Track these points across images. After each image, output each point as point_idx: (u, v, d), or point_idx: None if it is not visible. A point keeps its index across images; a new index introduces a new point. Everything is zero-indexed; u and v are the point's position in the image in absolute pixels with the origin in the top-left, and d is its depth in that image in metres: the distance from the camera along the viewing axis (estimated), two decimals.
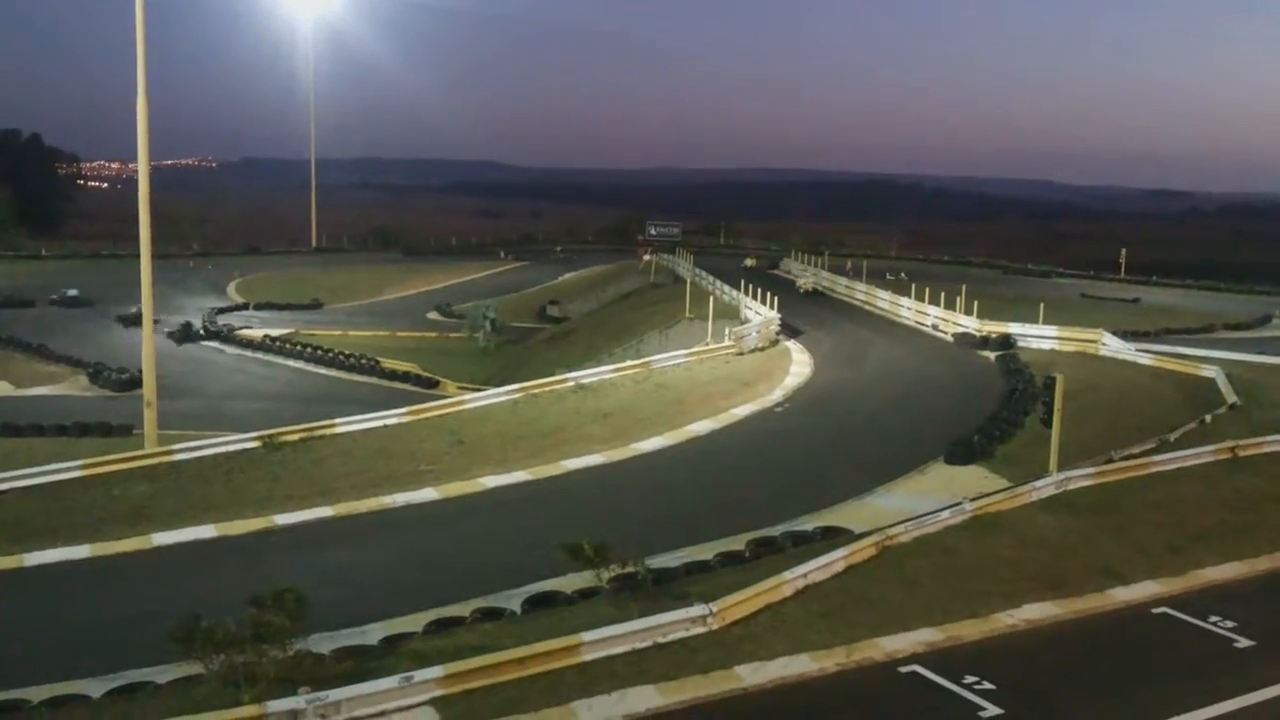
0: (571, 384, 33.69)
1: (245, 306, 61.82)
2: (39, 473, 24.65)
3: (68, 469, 24.96)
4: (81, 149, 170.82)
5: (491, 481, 24.38)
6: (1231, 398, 29.63)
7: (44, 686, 14.72)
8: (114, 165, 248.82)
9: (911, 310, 46.18)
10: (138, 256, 30.38)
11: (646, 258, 73.49)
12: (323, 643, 15.14)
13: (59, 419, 32.67)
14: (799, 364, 36.30)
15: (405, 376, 44.53)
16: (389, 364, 46.13)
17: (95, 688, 14.60)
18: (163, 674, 14.62)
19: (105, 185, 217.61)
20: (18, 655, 16.17)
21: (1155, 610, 16.70)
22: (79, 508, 23.25)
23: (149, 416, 29.31)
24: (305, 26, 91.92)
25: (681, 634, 15.03)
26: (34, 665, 15.57)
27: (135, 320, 47.06)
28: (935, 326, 43.30)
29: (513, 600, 17.21)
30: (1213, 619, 16.18)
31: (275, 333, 51.64)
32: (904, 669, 14.53)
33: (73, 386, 40.72)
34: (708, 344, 39.07)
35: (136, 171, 30.98)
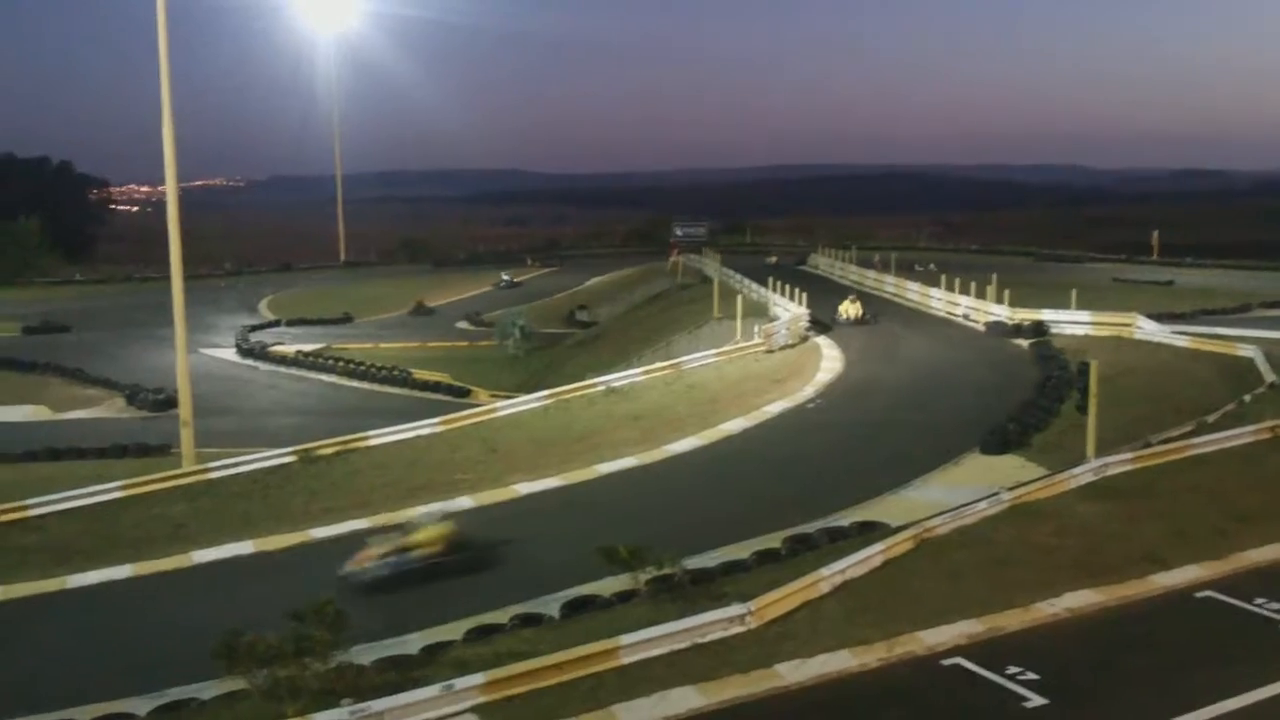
0: (602, 388, 33.72)
1: (277, 323, 62.24)
2: (79, 495, 24.93)
3: (107, 490, 25.23)
4: (111, 174, 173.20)
5: (525, 488, 24.43)
6: (1270, 377, 29.18)
7: (90, 706, 14.95)
8: (144, 189, 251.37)
9: (942, 301, 45.88)
10: (169, 278, 30.65)
11: (674, 259, 73.47)
12: (364, 654, 15.25)
13: (97, 441, 32.99)
14: (830, 359, 36.15)
15: (437, 386, 44.66)
16: (420, 375, 46.27)
17: (141, 706, 14.79)
18: (207, 690, 14.78)
19: (135, 209, 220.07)
20: (64, 676, 16.40)
21: (1199, 594, 16.49)
22: (119, 528, 23.51)
23: (185, 436, 29.54)
24: (326, 45, 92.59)
25: (720, 634, 15.02)
26: (80, 685, 15.79)
27: None
28: (967, 316, 42.98)
29: (551, 605, 17.25)
30: (1258, 601, 15.95)
31: (307, 348, 51.95)
32: (946, 662, 14.44)
33: (110, 409, 41.10)
34: (737, 343, 38.99)
35: (166, 194, 31.24)
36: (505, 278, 78.11)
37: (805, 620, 15.53)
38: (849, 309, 43.73)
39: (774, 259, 72.78)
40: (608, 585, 17.60)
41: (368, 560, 19.10)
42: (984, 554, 17.86)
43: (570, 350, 57.48)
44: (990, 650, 14.65)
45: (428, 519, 20.16)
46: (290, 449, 27.72)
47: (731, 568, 18.24)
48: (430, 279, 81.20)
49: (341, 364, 47.71)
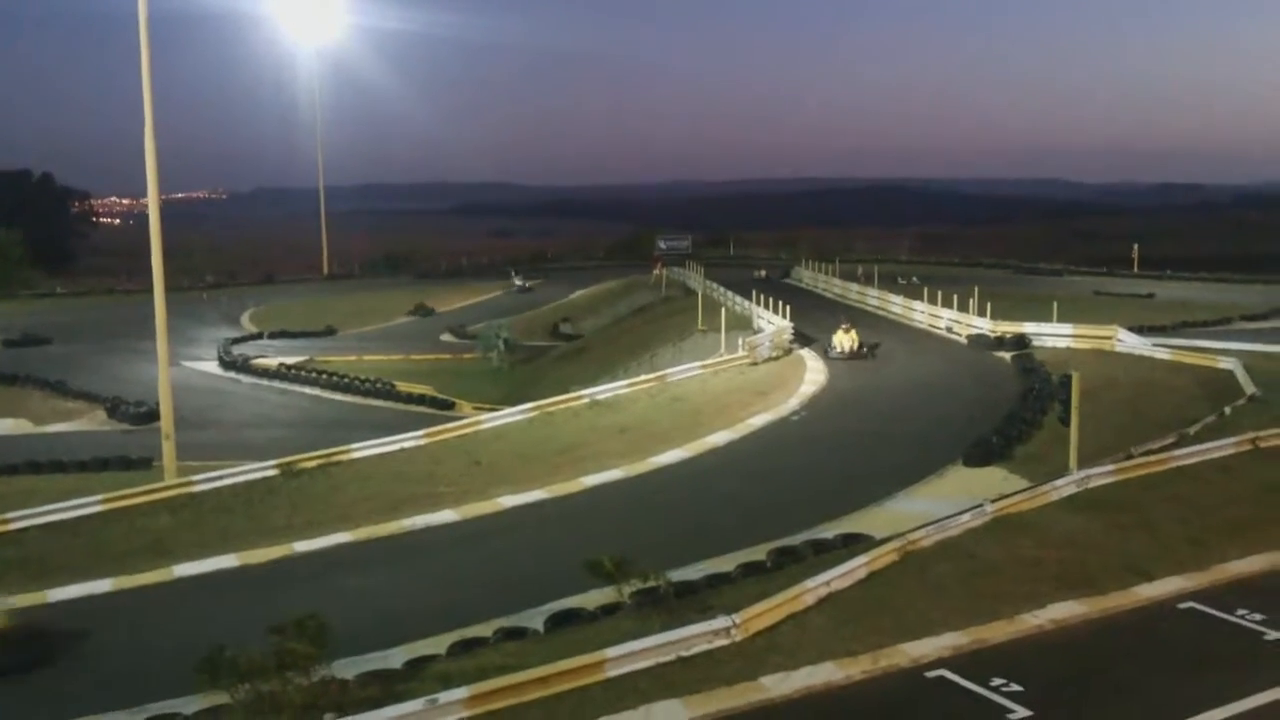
0: (586, 400, 33.70)
1: (260, 336, 62.03)
2: (60, 509, 24.68)
3: (88, 504, 24.97)
4: (93, 186, 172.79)
5: (510, 501, 24.37)
6: (1250, 389, 29.39)
7: None
8: (125, 201, 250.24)
9: (925, 314, 46.06)
10: (151, 290, 30.52)
11: (657, 272, 73.74)
12: (347, 668, 15.15)
13: (78, 454, 32.78)
14: (813, 371, 36.24)
15: (421, 399, 44.57)
16: (404, 387, 46.18)
17: None
18: (189, 705, 14.66)
19: (117, 221, 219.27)
20: (45, 692, 16.24)
21: (1181, 606, 16.57)
22: (101, 542, 23.30)
23: (167, 449, 29.38)
24: (309, 58, 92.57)
25: (705, 646, 14.99)
26: (60, 702, 15.63)
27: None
28: (949, 329, 43.17)
29: (535, 619, 17.18)
30: (1240, 612, 16.05)
31: (290, 360, 51.76)
32: (930, 674, 14.46)
33: (91, 421, 40.86)
34: (721, 355, 39.05)
35: (148, 206, 31.13)
36: (518, 282, 78.69)
37: (790, 633, 15.53)
38: (843, 339, 38.65)
39: (762, 273, 73.51)
40: (592, 598, 17.53)
41: None
42: (968, 566, 17.90)
43: (554, 363, 57.51)
44: (974, 662, 14.69)
45: None
46: (273, 462, 27.56)
47: (716, 580, 18.19)
48: (413, 290, 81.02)
49: (324, 376, 47.54)
